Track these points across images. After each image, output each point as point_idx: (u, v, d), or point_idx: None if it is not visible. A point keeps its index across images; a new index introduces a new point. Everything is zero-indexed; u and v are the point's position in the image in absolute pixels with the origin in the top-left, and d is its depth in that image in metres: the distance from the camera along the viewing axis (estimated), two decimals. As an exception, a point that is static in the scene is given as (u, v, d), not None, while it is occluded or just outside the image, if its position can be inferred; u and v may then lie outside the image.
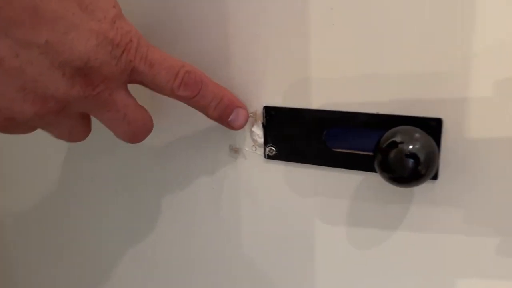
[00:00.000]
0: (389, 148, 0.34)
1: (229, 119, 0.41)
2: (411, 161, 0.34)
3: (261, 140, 0.43)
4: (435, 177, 0.37)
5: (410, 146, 0.34)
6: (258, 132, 0.43)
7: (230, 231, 0.48)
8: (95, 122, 0.40)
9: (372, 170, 0.39)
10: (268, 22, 0.40)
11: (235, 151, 0.45)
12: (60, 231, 0.60)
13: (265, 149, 0.43)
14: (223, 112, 0.41)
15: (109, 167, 0.53)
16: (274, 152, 0.43)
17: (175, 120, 0.47)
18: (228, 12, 0.41)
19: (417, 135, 0.35)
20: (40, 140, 0.55)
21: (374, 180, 0.40)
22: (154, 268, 0.55)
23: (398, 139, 0.34)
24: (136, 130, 0.38)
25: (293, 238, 0.45)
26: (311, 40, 0.39)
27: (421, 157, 0.34)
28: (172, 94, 0.38)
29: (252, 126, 0.43)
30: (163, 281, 0.55)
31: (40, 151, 0.57)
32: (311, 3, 0.38)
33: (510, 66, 0.33)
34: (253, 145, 0.44)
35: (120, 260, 0.57)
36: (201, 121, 0.46)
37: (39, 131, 0.37)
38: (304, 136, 0.41)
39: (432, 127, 0.36)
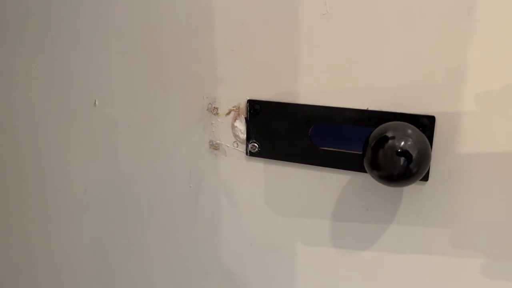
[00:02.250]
0: (379, 144, 0.32)
1: None
2: (402, 158, 0.32)
3: (243, 135, 0.41)
4: (425, 178, 0.35)
5: (402, 143, 0.32)
6: (241, 127, 0.41)
7: (207, 232, 0.45)
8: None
9: (360, 169, 0.37)
10: (255, 10, 0.38)
11: (215, 147, 0.42)
12: (34, 234, 0.56)
13: (247, 146, 0.41)
14: None
15: (84, 162, 0.50)
16: (256, 149, 0.41)
17: (151, 112, 0.44)
18: (213, 0, 0.39)
19: (409, 131, 0.33)
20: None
21: (362, 180, 0.38)
22: (126, 271, 0.51)
23: (389, 134, 0.32)
24: None
25: (275, 241, 0.42)
26: (300, 30, 0.37)
27: (413, 154, 0.32)
28: None
29: (235, 120, 0.41)
30: (133, 281, 0.51)
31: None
32: (301, -9, 0.36)
33: (501, 73, 0.32)
34: (234, 141, 0.42)
35: (87, 261, 0.53)
36: (179, 114, 0.43)
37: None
38: (289, 132, 0.39)
39: (424, 125, 0.35)
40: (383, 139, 0.32)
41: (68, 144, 0.50)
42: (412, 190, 0.36)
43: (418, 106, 0.35)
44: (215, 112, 0.41)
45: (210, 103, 0.41)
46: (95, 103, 0.47)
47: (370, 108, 0.36)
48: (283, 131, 0.39)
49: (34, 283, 0.58)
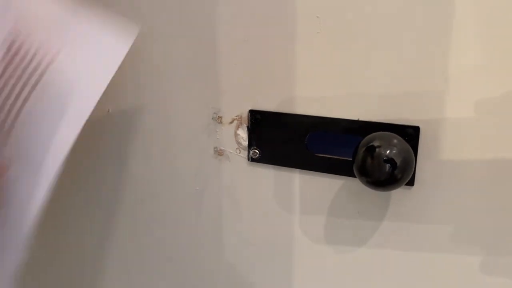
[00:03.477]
0: (367, 152, 0.36)
1: None
2: (387, 165, 0.35)
3: (245, 143, 0.44)
4: (411, 183, 0.39)
5: (388, 151, 0.35)
6: (243, 135, 0.44)
7: (211, 232, 0.49)
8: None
9: (351, 174, 0.40)
10: (256, 28, 0.41)
11: (219, 153, 0.46)
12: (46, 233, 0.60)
13: (249, 152, 0.44)
14: None
15: (93, 166, 0.53)
16: (257, 155, 0.44)
17: (161, 120, 0.48)
18: (217, 17, 0.42)
19: (394, 141, 0.36)
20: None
21: (353, 185, 0.41)
22: (133, 268, 0.55)
23: (376, 143, 0.36)
24: None
25: (274, 240, 0.46)
26: (297, 48, 0.40)
27: (398, 161, 0.35)
28: None
29: (237, 129, 0.44)
30: (142, 282, 0.55)
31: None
32: (298, 11, 0.39)
33: (484, 85, 0.35)
34: (237, 148, 0.45)
35: (98, 261, 0.57)
36: (186, 122, 0.47)
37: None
38: (287, 140, 0.42)
39: (410, 135, 0.38)
40: (370, 148, 0.36)
41: (84, 147, 0.53)
42: (399, 195, 0.40)
43: (404, 117, 0.38)
44: (219, 121, 0.45)
45: (215, 113, 0.45)
46: (108, 111, 0.50)
47: (361, 119, 0.39)
48: (282, 139, 0.43)
49: (46, 281, 0.61)
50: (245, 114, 0.44)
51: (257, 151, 0.44)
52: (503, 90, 0.35)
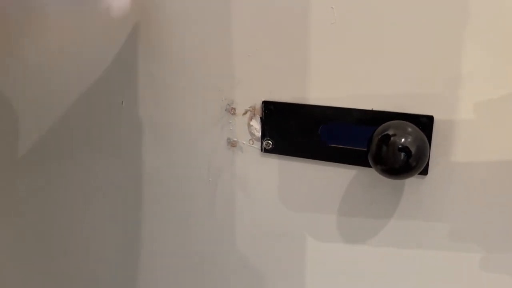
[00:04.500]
0: (382, 141, 0.36)
1: None
2: (402, 153, 0.35)
3: (258, 134, 0.45)
4: (425, 172, 0.39)
5: (403, 139, 0.35)
6: (256, 126, 0.45)
7: (224, 223, 0.49)
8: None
9: (365, 164, 0.41)
10: (270, 19, 0.42)
11: (232, 144, 0.46)
12: (55, 231, 0.60)
13: (262, 143, 0.45)
14: None
15: (112, 156, 0.54)
16: (270, 146, 0.44)
17: (174, 112, 0.48)
18: (231, 9, 0.43)
19: (409, 129, 0.36)
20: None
21: (366, 175, 0.41)
22: (148, 259, 0.55)
23: (391, 132, 0.36)
24: None
25: (287, 230, 0.46)
26: (311, 38, 0.40)
27: (413, 150, 0.35)
28: None
29: (251, 120, 0.45)
30: (155, 272, 0.55)
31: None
32: (313, 2, 0.40)
33: (500, 81, 0.35)
34: (250, 139, 0.45)
35: (111, 252, 0.57)
36: (200, 114, 0.47)
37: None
38: (300, 130, 0.43)
39: (423, 124, 0.38)
40: (385, 137, 0.36)
41: (99, 139, 0.54)
42: (412, 183, 0.40)
43: (418, 106, 0.38)
44: (232, 112, 0.45)
45: (228, 104, 0.45)
46: (122, 103, 0.51)
47: (375, 109, 0.40)
48: (295, 130, 0.43)
49: (55, 277, 0.62)
50: (258, 105, 0.44)
51: (270, 142, 0.44)
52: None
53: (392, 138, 0.36)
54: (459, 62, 0.36)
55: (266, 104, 0.44)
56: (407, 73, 0.38)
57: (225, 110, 0.46)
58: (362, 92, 0.40)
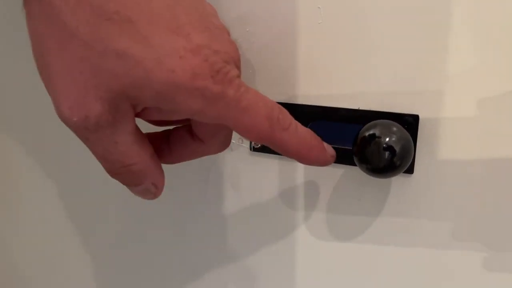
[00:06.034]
0: (367, 140, 0.36)
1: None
2: (387, 152, 0.36)
3: (247, 132, 0.45)
4: (410, 171, 0.39)
5: (387, 139, 0.36)
6: (245, 125, 0.45)
7: (213, 221, 0.49)
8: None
9: (352, 163, 0.41)
10: (258, 20, 0.42)
11: (222, 143, 0.47)
12: (61, 231, 0.61)
13: (251, 142, 0.45)
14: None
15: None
16: (259, 145, 0.45)
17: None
18: (219, 9, 0.43)
19: (394, 128, 0.36)
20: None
21: (354, 173, 0.42)
22: (135, 257, 0.56)
23: (376, 131, 0.36)
24: None
25: (277, 230, 0.47)
26: (298, 38, 0.41)
27: (397, 149, 0.36)
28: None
29: (239, 119, 0.45)
30: (142, 271, 0.56)
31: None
32: (299, 2, 0.40)
33: (488, 80, 0.36)
34: (239, 138, 0.46)
35: (106, 250, 0.58)
36: (190, 113, 0.47)
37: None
38: (288, 129, 0.43)
39: (409, 123, 0.38)
40: (370, 136, 0.36)
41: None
42: (399, 182, 0.40)
43: (404, 105, 0.39)
44: (222, 111, 0.46)
45: (217, 103, 0.46)
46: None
47: (361, 108, 0.40)
48: (283, 129, 0.43)
49: (55, 276, 0.63)
50: (247, 105, 0.44)
51: (259, 141, 0.45)
52: (508, 86, 0.35)
53: (376, 138, 0.36)
54: (445, 61, 0.36)
55: (255, 103, 0.44)
56: (393, 72, 0.38)
57: (215, 109, 0.46)
58: (349, 91, 0.40)
